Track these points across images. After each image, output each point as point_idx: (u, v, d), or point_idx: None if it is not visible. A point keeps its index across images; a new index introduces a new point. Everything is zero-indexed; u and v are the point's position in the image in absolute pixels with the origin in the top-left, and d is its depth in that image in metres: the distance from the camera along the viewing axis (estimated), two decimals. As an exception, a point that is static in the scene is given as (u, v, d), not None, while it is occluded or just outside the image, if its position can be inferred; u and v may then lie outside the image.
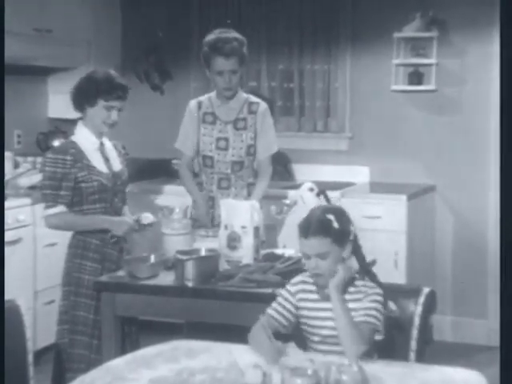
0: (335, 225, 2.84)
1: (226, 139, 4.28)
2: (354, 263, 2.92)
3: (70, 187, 3.64)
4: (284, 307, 2.94)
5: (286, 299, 2.95)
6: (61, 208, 3.64)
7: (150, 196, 5.79)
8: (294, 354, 2.68)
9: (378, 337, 2.83)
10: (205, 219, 4.24)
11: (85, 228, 3.69)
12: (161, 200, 5.56)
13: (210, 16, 6.14)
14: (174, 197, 5.08)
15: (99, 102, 3.69)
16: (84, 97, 3.70)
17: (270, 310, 2.94)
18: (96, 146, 3.74)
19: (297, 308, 2.94)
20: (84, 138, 3.73)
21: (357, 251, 2.93)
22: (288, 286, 2.99)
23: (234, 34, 4.23)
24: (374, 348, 2.81)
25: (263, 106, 4.33)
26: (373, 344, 2.79)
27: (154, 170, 6.07)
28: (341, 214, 2.90)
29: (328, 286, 2.84)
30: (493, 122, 5.51)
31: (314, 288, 2.92)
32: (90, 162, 3.70)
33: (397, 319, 2.94)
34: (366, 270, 2.94)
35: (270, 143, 4.35)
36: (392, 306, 2.92)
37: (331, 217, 2.85)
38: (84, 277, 3.69)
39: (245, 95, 4.34)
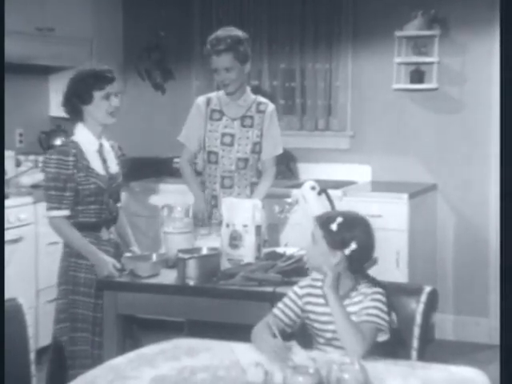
0: (333, 227, 2.84)
1: (232, 135, 4.29)
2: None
3: (74, 188, 3.65)
4: (290, 308, 2.94)
5: (292, 301, 2.96)
6: (66, 211, 3.65)
7: (151, 195, 5.80)
8: (296, 353, 2.68)
9: (383, 337, 2.81)
10: (202, 215, 4.24)
11: (75, 248, 3.68)
12: (162, 199, 5.56)
13: (211, 14, 6.15)
14: (176, 195, 5.08)
15: (95, 94, 3.67)
16: (78, 98, 3.69)
17: (275, 310, 2.95)
18: (96, 146, 3.74)
19: (302, 310, 2.94)
20: (85, 138, 3.72)
21: (354, 265, 2.89)
22: (295, 288, 2.98)
23: (229, 32, 4.24)
24: (376, 347, 2.80)
25: (271, 106, 4.36)
26: (376, 344, 2.79)
27: (156, 169, 6.07)
28: (350, 225, 2.87)
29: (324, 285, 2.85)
30: (494, 121, 5.51)
31: (320, 292, 2.92)
32: (89, 164, 3.69)
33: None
34: (370, 279, 2.93)
35: (275, 144, 4.37)
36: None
37: (339, 219, 2.85)
38: (80, 275, 3.69)
39: (253, 96, 4.36)
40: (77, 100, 3.70)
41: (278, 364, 2.53)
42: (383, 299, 2.85)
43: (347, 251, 2.85)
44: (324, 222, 2.88)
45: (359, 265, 2.89)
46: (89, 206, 3.69)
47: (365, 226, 2.94)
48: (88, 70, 3.75)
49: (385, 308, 2.83)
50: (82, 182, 3.66)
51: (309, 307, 2.93)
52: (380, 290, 2.87)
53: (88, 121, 3.73)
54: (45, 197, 3.71)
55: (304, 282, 3.00)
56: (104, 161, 3.77)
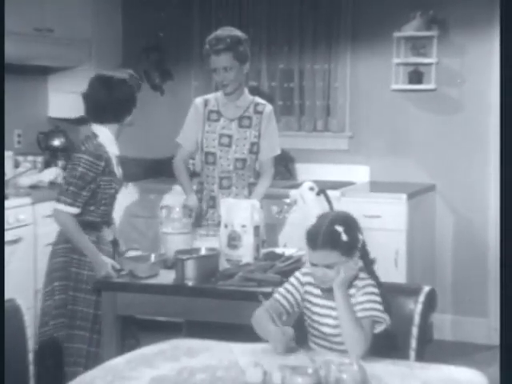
0: (344, 237, 2.80)
1: (229, 136, 4.29)
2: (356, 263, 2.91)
3: (92, 189, 3.68)
4: (291, 293, 2.95)
5: (293, 286, 2.96)
6: (76, 210, 3.66)
7: (150, 195, 5.80)
8: (295, 353, 2.68)
9: (381, 327, 2.81)
10: (193, 209, 4.18)
11: (75, 244, 3.70)
12: (161, 199, 5.56)
13: (210, 15, 6.14)
14: (174, 196, 5.08)
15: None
16: (130, 102, 3.83)
17: (276, 295, 2.96)
18: (116, 151, 3.79)
19: (302, 299, 2.95)
20: (109, 142, 3.77)
21: (364, 257, 2.91)
22: (298, 274, 2.99)
23: (229, 32, 4.25)
24: (376, 338, 2.80)
25: (269, 107, 4.35)
26: (375, 335, 2.79)
27: (155, 170, 6.07)
28: (349, 224, 2.85)
29: (332, 288, 2.83)
30: (493, 121, 5.51)
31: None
32: (113, 168, 3.74)
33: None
34: (374, 276, 2.93)
35: (273, 145, 4.37)
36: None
37: (340, 228, 2.81)
38: (83, 272, 3.70)
39: (251, 96, 4.36)
40: (128, 104, 3.81)
41: (277, 364, 2.53)
42: (375, 290, 2.85)
43: (360, 243, 2.86)
44: (332, 241, 2.80)
45: (365, 249, 2.90)
46: (100, 207, 3.74)
47: (350, 215, 2.94)
48: (126, 73, 3.90)
49: (378, 298, 2.83)
50: (105, 185, 3.71)
51: (307, 296, 2.94)
52: (371, 281, 2.87)
53: (110, 126, 3.78)
54: (60, 189, 3.74)
55: (305, 269, 3.00)
56: (117, 163, 3.83)
